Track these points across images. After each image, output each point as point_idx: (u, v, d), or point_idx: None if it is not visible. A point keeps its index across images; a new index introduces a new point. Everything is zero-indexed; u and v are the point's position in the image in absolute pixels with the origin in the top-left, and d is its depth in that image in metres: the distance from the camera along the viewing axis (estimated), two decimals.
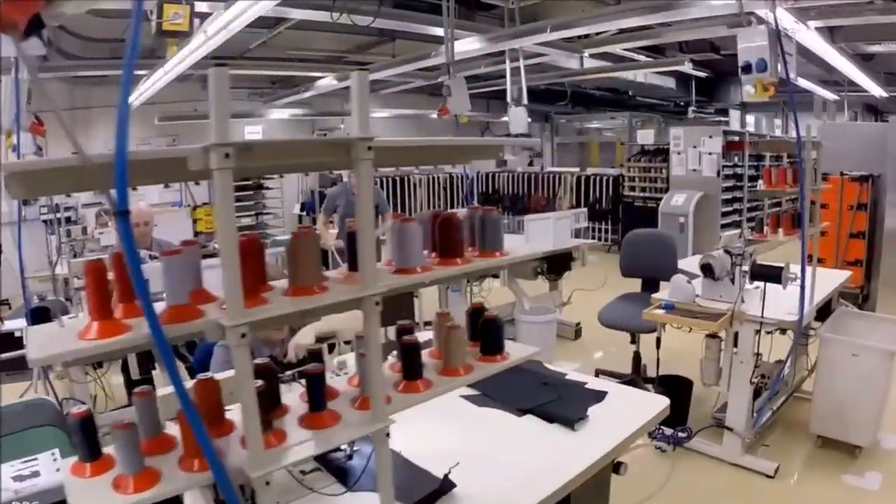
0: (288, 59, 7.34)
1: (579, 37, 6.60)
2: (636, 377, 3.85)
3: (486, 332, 1.49)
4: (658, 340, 3.34)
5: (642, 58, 7.79)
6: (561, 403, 1.95)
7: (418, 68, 6.53)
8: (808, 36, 5.13)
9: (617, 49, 6.76)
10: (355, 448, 1.66)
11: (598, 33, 6.48)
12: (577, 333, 4.96)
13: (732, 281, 2.96)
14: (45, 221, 8.09)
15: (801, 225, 2.70)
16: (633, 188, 8.57)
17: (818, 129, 6.58)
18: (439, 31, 5.67)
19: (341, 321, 1.88)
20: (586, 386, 2.10)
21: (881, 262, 5.45)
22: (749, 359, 2.88)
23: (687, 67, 7.13)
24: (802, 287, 2.73)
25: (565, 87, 9.89)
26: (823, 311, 3.48)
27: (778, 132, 9.33)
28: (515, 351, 1.49)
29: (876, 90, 8.19)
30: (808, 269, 2.93)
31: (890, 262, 5.35)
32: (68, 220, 8.14)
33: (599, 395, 2.00)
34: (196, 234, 8.69)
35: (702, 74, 9.47)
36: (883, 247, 5.43)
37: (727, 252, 3.03)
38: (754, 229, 3.14)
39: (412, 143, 1.67)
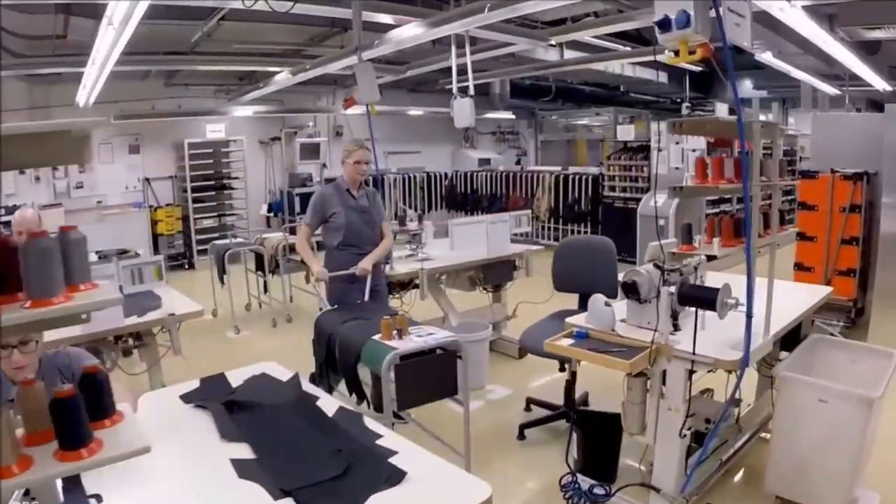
0: (239, 53, 6.76)
1: (546, 24, 5.95)
2: (568, 410, 3.16)
3: (58, 415, 0.89)
4: (573, 375, 2.65)
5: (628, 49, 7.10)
6: (335, 487, 1.30)
7: (368, 59, 5.89)
8: (794, 15, 4.41)
9: (585, 37, 6.05)
10: None
11: (565, 20, 5.82)
12: (522, 352, 4.26)
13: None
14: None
15: (747, 233, 2.00)
16: (612, 188, 7.81)
17: (811, 121, 5.81)
18: (387, 19, 5.09)
19: None
20: (391, 460, 1.43)
21: (877, 272, 4.66)
22: (679, 406, 2.19)
23: (665, 57, 6.37)
24: (749, 315, 2.03)
25: (550, 81, 9.20)
26: (793, 338, 2.77)
27: None
28: (116, 445, 0.89)
29: (879, 83, 7.38)
30: (762, 288, 2.23)
31: (886, 271, 4.57)
32: None
33: (395, 477, 1.34)
34: (156, 236, 8.15)
35: (694, 68, 8.70)
36: (879, 254, 4.65)
37: (658, 267, 2.34)
38: (683, 238, 2.42)
39: None
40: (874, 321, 4.60)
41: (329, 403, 1.85)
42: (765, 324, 2.24)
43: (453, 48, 5.02)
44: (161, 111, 7.86)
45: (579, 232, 8.20)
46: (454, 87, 4.95)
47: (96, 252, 5.36)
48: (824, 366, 2.69)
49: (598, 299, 2.41)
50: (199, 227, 8.19)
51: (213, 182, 8.32)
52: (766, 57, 6.35)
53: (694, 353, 2.06)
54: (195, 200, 8.24)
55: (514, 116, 10.81)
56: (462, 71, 5.13)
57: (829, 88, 8.18)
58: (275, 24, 6.13)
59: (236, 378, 2.19)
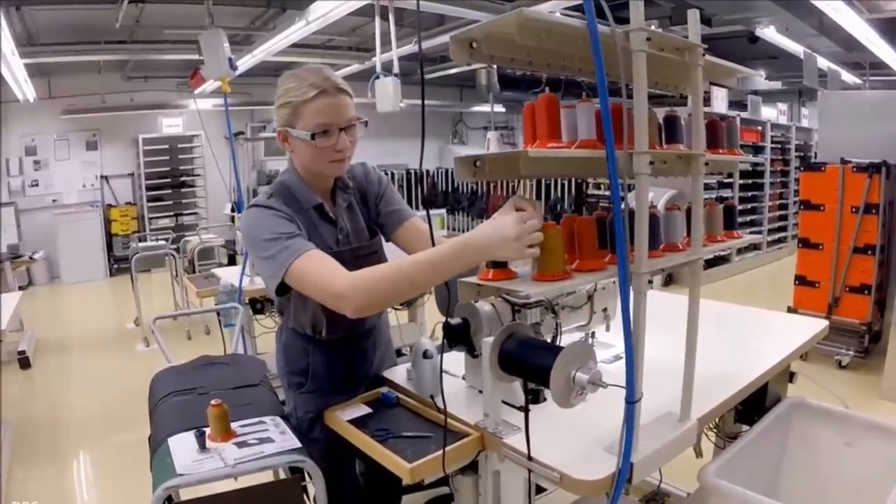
0: (181, 40, 6.00)
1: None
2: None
3: None
4: None
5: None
6: None
7: (292, 44, 5.08)
8: None
9: (558, 10, 5.08)
10: None
11: None
12: None
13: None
14: None
15: (618, 246, 1.03)
16: (597, 185, 6.78)
17: (819, 100, 4.71)
18: None
19: None
20: None
21: None
22: None
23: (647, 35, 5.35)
24: (630, 400, 1.05)
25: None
26: (758, 401, 1.77)
27: (783, 119, 7.32)
28: None
29: None
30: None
31: None
32: None
33: None
34: (110, 237, 7.47)
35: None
36: None
37: (508, 301, 1.42)
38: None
39: None
40: (893, 349, 3.52)
41: None
42: (682, 403, 1.26)
43: (377, 20, 4.13)
44: (113, 105, 7.17)
45: None
46: (377, 64, 4.05)
47: None
48: (802, 447, 1.70)
49: (421, 346, 1.49)
50: (156, 226, 7.47)
51: (169, 180, 7.59)
52: (769, 32, 5.27)
53: (529, 458, 1.12)
54: (152, 199, 7.53)
55: (504, 110, 9.85)
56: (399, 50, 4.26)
57: (847, 76, 7.00)
58: (218, 7, 5.36)
59: None
